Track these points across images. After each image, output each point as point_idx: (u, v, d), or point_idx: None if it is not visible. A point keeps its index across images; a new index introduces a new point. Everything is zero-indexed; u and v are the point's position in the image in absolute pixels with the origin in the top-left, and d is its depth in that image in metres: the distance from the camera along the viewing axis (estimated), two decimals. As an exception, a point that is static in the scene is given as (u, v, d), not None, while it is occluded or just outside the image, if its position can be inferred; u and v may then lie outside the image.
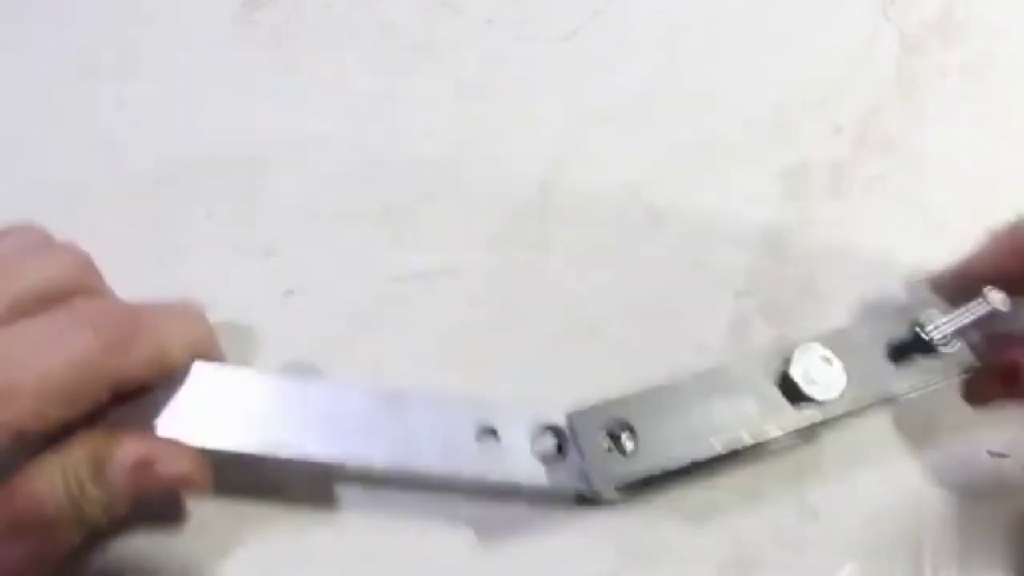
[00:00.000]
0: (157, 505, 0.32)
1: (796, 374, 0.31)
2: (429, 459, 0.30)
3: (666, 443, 0.30)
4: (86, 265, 0.30)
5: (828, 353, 0.31)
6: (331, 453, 0.30)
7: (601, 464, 0.30)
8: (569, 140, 0.41)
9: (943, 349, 0.31)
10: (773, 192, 0.39)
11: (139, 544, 0.32)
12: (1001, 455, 0.34)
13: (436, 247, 0.38)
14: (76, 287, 0.28)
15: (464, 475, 0.30)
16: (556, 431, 0.31)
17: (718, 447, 0.30)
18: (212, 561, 0.32)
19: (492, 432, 0.31)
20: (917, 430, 0.34)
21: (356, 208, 0.39)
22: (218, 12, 0.44)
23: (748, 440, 0.30)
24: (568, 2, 0.44)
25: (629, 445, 0.30)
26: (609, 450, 0.30)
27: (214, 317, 0.37)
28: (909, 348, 0.31)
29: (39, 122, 0.42)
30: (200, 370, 0.30)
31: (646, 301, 0.37)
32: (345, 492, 0.33)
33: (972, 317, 0.30)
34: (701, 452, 0.30)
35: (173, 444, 0.28)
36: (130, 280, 0.38)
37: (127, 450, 0.27)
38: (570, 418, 0.30)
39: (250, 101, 0.42)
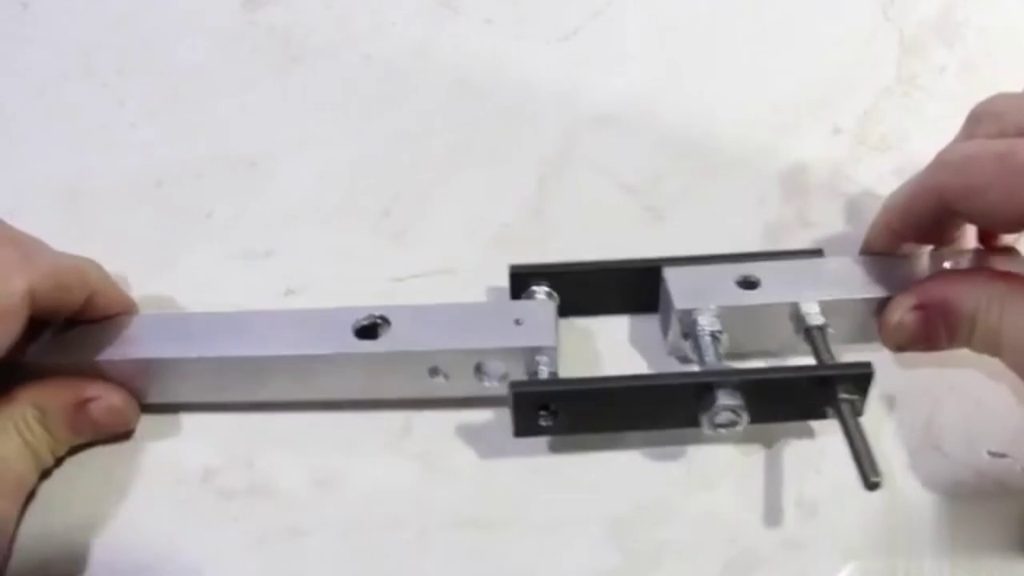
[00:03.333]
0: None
1: None
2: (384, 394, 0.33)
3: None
4: None
5: None
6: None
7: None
8: (569, 140, 0.41)
9: None
10: (773, 192, 0.39)
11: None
12: (1001, 455, 0.34)
13: (436, 247, 0.38)
14: None
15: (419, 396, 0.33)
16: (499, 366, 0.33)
17: None
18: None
19: (441, 372, 0.33)
20: (917, 430, 0.34)
21: (356, 208, 0.39)
22: (218, 12, 0.44)
23: None
24: (568, 2, 0.44)
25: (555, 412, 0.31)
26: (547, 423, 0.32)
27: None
28: None
29: (39, 122, 0.42)
30: (139, 318, 0.34)
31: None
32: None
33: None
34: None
35: (104, 385, 0.32)
36: (130, 280, 0.38)
37: (65, 393, 0.31)
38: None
39: (250, 101, 0.42)
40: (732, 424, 0.31)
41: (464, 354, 0.32)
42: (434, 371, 0.33)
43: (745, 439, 0.34)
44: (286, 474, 0.34)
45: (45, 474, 0.33)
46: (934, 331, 0.31)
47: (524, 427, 0.32)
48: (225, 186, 0.40)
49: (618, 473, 0.33)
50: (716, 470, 0.33)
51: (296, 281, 0.38)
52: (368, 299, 0.37)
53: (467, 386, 0.33)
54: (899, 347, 0.33)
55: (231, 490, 0.33)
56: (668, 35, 0.43)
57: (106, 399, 0.32)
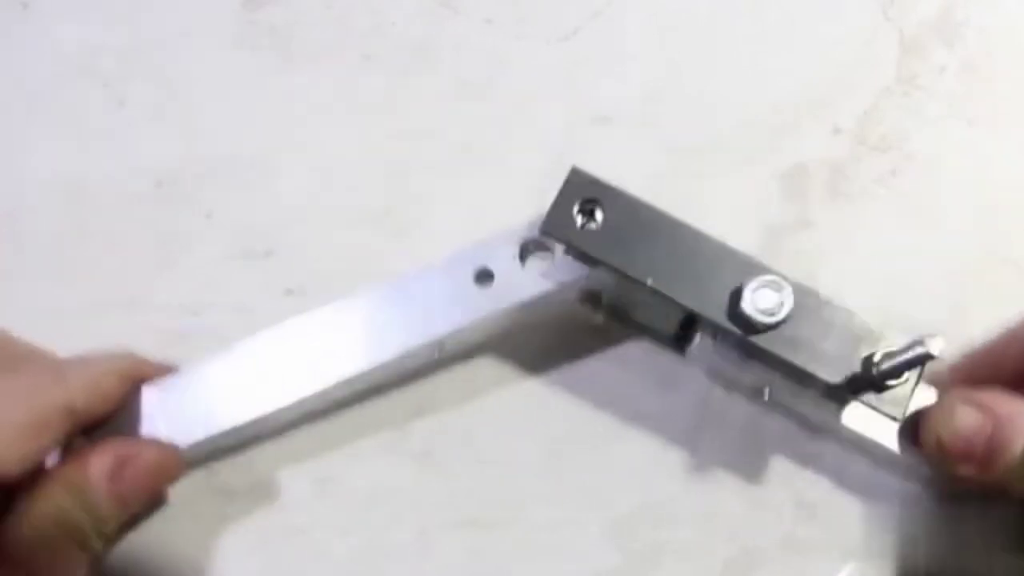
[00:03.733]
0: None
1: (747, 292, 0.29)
2: (437, 327, 0.31)
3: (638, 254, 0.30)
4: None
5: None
6: (332, 376, 0.31)
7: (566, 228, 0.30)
8: (569, 140, 0.41)
9: (889, 383, 0.29)
10: (772, 193, 0.39)
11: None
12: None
13: (436, 247, 0.38)
14: None
15: (472, 322, 0.31)
16: (540, 244, 0.32)
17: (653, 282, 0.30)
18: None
19: (487, 272, 0.32)
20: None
21: (356, 208, 0.39)
22: (219, 12, 0.44)
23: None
24: (568, 2, 0.44)
25: (598, 217, 0.30)
26: (581, 226, 0.30)
27: (214, 317, 0.37)
28: (858, 380, 0.29)
29: (39, 122, 0.42)
30: (151, 389, 0.31)
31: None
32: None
33: (908, 356, 0.28)
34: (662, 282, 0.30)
35: (139, 440, 0.30)
36: (130, 280, 0.38)
37: (99, 462, 0.28)
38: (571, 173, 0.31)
39: (250, 101, 0.42)
40: (772, 310, 0.29)
41: (507, 237, 0.32)
42: (481, 275, 0.32)
43: (744, 438, 0.34)
44: (286, 474, 0.34)
45: (98, 560, 0.30)
46: (976, 441, 0.28)
47: (556, 220, 0.30)
48: (225, 186, 0.40)
49: (618, 473, 0.33)
50: (716, 470, 0.33)
51: (296, 281, 0.38)
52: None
53: (515, 286, 0.32)
54: (939, 443, 0.29)
55: (231, 490, 0.33)
56: (668, 35, 0.43)
57: (143, 454, 0.29)
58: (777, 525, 0.33)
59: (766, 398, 0.32)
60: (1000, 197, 0.39)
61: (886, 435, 0.31)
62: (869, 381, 0.29)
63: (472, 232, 0.38)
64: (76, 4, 0.45)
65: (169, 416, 0.30)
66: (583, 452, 0.34)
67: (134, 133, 0.41)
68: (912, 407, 0.29)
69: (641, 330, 0.34)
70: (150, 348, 0.36)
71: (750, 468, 0.34)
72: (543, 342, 0.36)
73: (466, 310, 0.31)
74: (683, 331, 0.33)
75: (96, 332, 0.36)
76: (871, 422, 0.30)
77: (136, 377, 0.31)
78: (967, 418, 0.28)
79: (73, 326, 0.37)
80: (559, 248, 0.32)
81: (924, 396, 0.30)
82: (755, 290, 0.29)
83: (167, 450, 0.30)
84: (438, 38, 0.43)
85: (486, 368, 0.36)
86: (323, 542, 0.33)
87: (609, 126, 0.41)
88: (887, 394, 0.29)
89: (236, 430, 0.31)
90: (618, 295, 0.34)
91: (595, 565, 0.32)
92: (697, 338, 0.32)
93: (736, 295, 0.29)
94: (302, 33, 0.44)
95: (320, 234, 0.39)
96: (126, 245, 0.38)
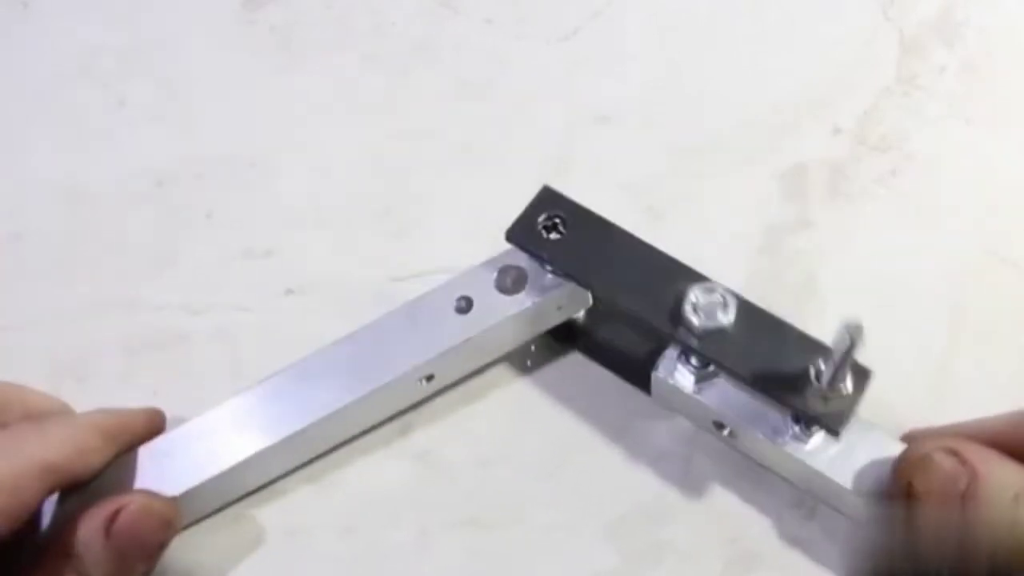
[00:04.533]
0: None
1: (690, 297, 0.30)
2: (419, 356, 0.32)
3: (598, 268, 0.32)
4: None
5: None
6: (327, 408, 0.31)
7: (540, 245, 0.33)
8: (569, 140, 0.41)
9: (830, 396, 0.29)
10: (772, 192, 0.39)
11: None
12: (1001, 455, 0.34)
13: (436, 247, 0.38)
14: None
15: (456, 346, 0.32)
16: (516, 269, 0.34)
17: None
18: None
19: (466, 300, 0.33)
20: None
21: (356, 208, 0.39)
22: (218, 12, 0.44)
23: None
24: (568, 2, 0.44)
25: (561, 230, 0.33)
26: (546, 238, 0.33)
27: (214, 317, 0.37)
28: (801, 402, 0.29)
29: (39, 122, 0.42)
30: (144, 449, 0.31)
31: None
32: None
33: (840, 354, 0.27)
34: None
35: (128, 493, 0.29)
36: (130, 280, 0.38)
37: (90, 520, 0.27)
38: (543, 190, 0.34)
39: (250, 101, 0.42)
40: (712, 313, 0.30)
41: (484, 267, 0.33)
42: (461, 304, 0.33)
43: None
44: (286, 474, 0.34)
45: None
46: (950, 491, 0.26)
47: (521, 230, 0.33)
48: (225, 186, 0.40)
49: (617, 473, 0.33)
50: (716, 470, 0.33)
51: (296, 281, 0.38)
52: (368, 299, 0.37)
53: (493, 311, 0.33)
54: (910, 487, 0.27)
55: (231, 490, 0.33)
56: (668, 35, 0.43)
57: (135, 501, 0.28)
58: (777, 525, 0.33)
59: (726, 433, 0.32)
60: (1000, 197, 0.39)
61: (844, 477, 0.30)
62: (812, 406, 0.29)
63: (472, 232, 0.39)
64: (76, 4, 0.45)
65: (162, 471, 0.30)
66: (582, 453, 0.34)
67: (134, 133, 0.41)
68: (857, 429, 0.30)
69: (610, 366, 0.35)
70: (150, 349, 0.36)
71: (749, 468, 0.34)
72: (541, 344, 0.36)
73: (447, 337, 0.32)
74: (647, 364, 0.33)
75: (96, 332, 0.36)
76: (829, 461, 0.30)
77: (120, 433, 0.30)
78: (944, 461, 0.26)
79: (73, 326, 0.37)
80: (534, 272, 0.33)
81: (890, 448, 0.30)
82: (697, 295, 0.30)
83: (159, 497, 0.29)
84: (438, 38, 0.43)
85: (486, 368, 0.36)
86: (323, 542, 0.33)
87: (609, 126, 0.41)
88: (829, 406, 0.29)
89: (229, 474, 0.31)
90: (590, 327, 0.36)
91: (594, 566, 0.32)
92: (660, 365, 0.32)
93: (679, 300, 0.31)
94: (302, 33, 0.44)
95: (320, 234, 0.39)
96: (126, 245, 0.38)
